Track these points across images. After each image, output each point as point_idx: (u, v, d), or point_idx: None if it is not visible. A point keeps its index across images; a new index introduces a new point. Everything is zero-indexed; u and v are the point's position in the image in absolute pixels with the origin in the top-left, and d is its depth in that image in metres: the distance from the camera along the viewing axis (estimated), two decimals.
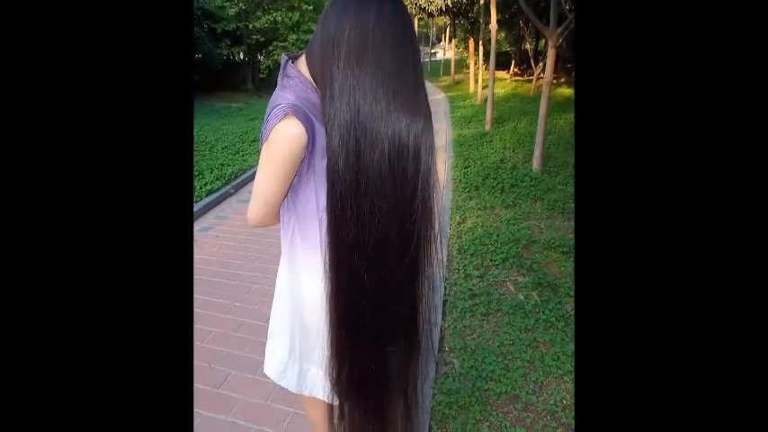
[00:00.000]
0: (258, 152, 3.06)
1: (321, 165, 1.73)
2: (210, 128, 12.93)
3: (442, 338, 4.05)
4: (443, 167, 9.22)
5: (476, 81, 19.72)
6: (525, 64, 24.27)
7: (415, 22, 27.77)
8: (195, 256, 5.63)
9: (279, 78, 1.76)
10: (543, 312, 4.25)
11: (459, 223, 6.33)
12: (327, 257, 1.73)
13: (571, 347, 3.77)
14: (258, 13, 19.04)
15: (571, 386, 3.43)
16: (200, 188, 7.80)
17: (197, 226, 6.67)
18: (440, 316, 4.30)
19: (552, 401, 3.33)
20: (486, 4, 15.86)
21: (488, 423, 3.15)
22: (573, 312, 4.18)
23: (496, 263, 5.18)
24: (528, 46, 21.13)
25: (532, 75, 19.91)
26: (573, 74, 19.39)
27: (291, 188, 1.82)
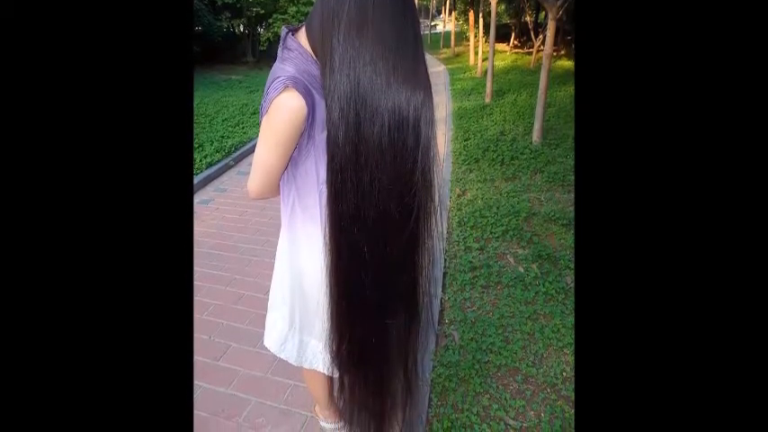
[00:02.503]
0: (258, 124, 3.05)
1: (321, 137, 1.73)
2: (210, 100, 12.90)
3: (441, 311, 4.06)
4: (443, 140, 9.21)
5: (476, 53, 19.67)
6: (525, 36, 24.20)
7: None
8: (195, 228, 5.64)
9: (279, 51, 1.75)
10: (543, 285, 4.26)
11: (459, 196, 6.32)
12: (327, 230, 1.73)
13: (571, 320, 3.78)
14: None
15: (571, 358, 3.43)
16: (201, 160, 7.79)
17: (197, 198, 6.66)
18: (440, 288, 4.31)
19: (552, 374, 3.34)
20: None
21: (488, 395, 3.16)
22: (573, 285, 4.18)
23: (496, 235, 5.19)
24: (528, 18, 21.05)
25: (532, 47, 19.86)
26: (573, 46, 19.35)
27: (291, 160, 1.82)
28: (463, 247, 4.96)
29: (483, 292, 4.24)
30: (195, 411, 3.10)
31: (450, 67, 21.33)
